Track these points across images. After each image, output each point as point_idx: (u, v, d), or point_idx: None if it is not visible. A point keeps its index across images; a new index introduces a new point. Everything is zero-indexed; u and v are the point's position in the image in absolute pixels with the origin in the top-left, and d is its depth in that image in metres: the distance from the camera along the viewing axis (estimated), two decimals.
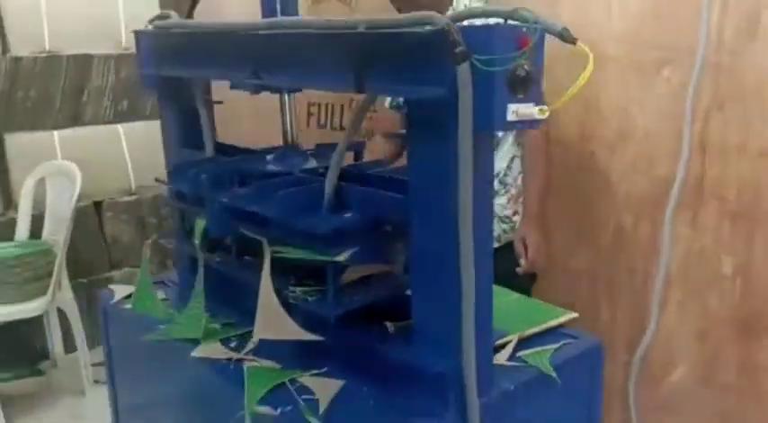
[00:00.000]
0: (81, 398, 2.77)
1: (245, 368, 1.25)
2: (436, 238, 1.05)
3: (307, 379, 1.21)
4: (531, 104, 0.95)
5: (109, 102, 3.21)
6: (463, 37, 0.90)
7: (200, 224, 1.45)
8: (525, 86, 0.94)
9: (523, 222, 1.98)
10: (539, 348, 1.29)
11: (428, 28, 0.92)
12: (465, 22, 0.96)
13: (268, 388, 1.18)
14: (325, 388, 1.17)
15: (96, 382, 2.84)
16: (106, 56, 3.12)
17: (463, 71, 0.90)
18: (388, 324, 1.18)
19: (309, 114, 3.03)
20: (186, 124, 1.59)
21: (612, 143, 1.97)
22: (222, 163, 1.41)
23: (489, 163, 1.05)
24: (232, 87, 1.30)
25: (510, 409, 1.16)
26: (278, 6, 1.28)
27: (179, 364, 1.40)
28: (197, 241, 1.41)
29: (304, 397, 1.16)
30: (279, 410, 1.12)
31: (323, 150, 1.40)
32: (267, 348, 1.30)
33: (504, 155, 1.99)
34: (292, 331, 1.21)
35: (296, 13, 1.29)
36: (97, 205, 3.16)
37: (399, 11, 1.94)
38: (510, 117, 0.94)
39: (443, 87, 0.94)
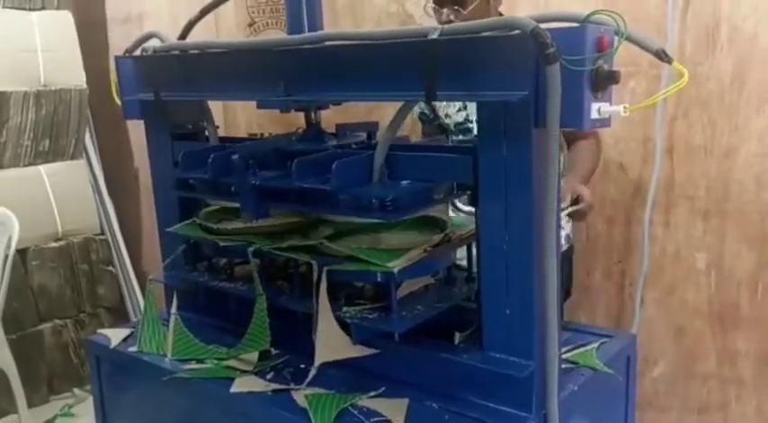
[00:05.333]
0: None
1: (297, 398, 1.18)
2: (513, 242, 1.05)
3: (368, 401, 1.17)
4: (606, 103, 0.99)
5: (29, 141, 2.98)
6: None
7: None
8: (605, 86, 0.97)
9: (574, 180, 1.82)
10: (580, 349, 1.31)
11: (516, 31, 0.93)
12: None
13: (333, 415, 1.13)
14: (393, 408, 1.13)
15: None
16: (24, 93, 2.90)
17: (554, 72, 0.92)
18: (457, 334, 1.16)
19: None
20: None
21: None
22: (247, 145, 1.30)
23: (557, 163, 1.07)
24: (259, 107, 1.25)
25: (576, 408, 1.17)
26: (305, 23, 1.26)
27: (209, 403, 1.31)
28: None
29: (374, 420, 1.12)
30: None
31: (342, 132, 1.39)
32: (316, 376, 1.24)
33: None
34: (355, 351, 1.16)
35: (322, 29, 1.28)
36: (22, 253, 2.90)
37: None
38: (593, 115, 0.97)
39: (526, 89, 0.96)
